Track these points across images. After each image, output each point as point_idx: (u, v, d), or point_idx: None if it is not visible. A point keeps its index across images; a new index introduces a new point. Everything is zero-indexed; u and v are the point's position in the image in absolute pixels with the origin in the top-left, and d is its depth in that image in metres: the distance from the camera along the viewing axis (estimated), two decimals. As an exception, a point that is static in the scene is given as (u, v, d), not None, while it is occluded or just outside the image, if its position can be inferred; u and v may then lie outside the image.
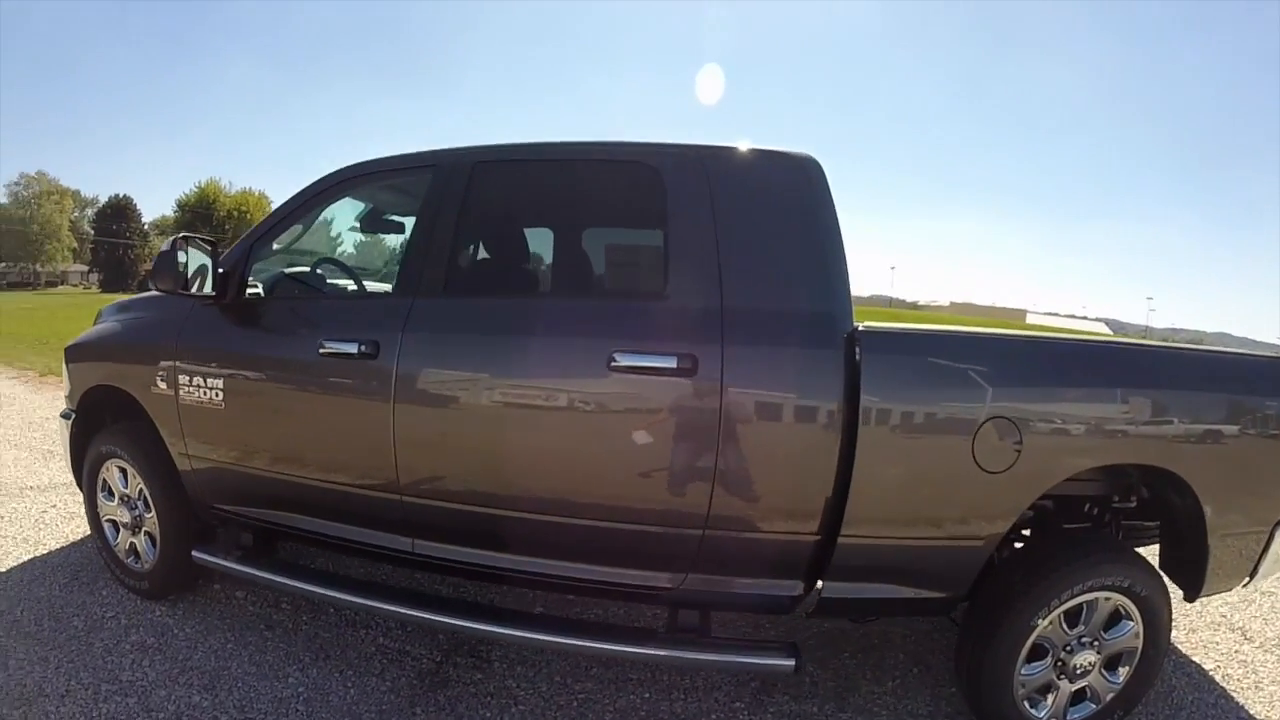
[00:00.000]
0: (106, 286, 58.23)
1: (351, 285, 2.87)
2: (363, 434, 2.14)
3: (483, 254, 2.37)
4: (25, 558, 3.37)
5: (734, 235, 2.03)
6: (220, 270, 2.39)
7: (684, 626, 2.09)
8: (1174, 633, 2.71)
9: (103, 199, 68.20)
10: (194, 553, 2.62)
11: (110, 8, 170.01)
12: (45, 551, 3.45)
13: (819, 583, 2.04)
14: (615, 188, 2.27)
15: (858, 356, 1.89)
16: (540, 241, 2.48)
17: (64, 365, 3.20)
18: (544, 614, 2.48)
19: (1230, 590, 2.28)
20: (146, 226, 67.00)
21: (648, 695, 2.28)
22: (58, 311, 22.11)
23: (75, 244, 66.94)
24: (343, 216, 2.94)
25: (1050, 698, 2.09)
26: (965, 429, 1.88)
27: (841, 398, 1.88)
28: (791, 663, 1.95)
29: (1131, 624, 2.06)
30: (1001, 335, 2.25)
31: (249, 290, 2.52)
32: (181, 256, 2.24)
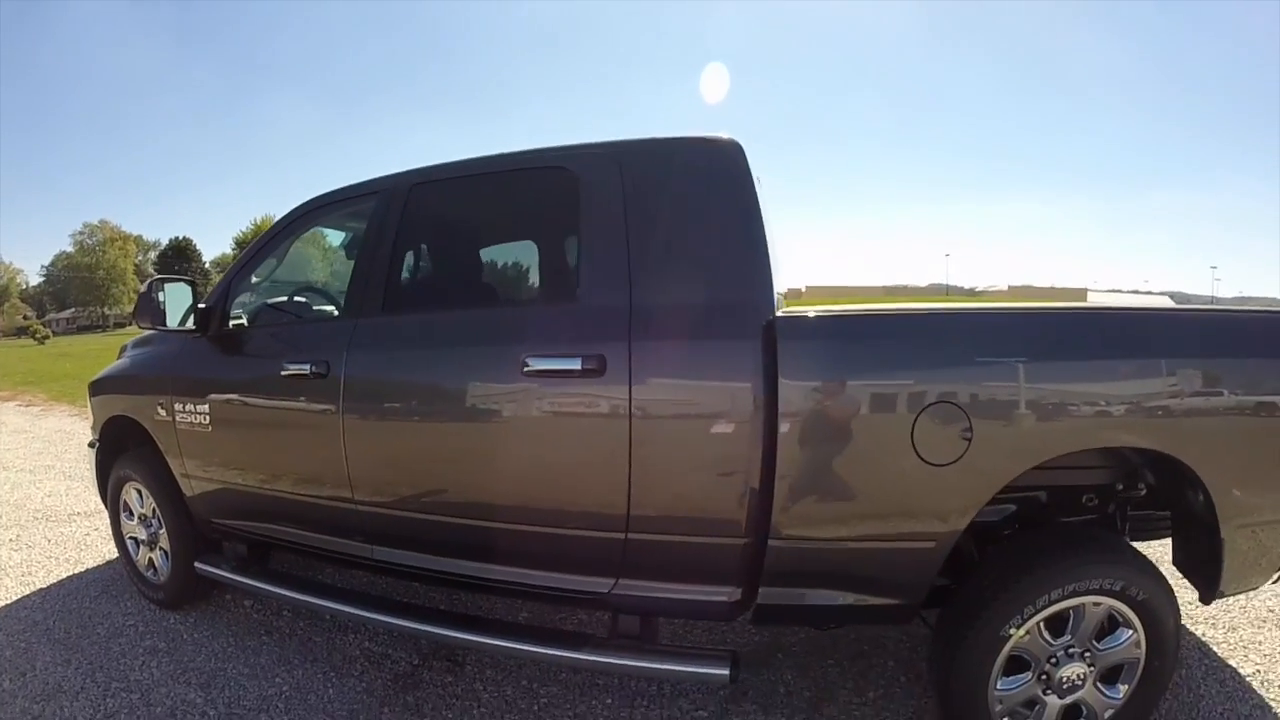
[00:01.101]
0: (171, 324, 61.67)
1: (334, 309, 3.10)
2: (320, 447, 2.32)
3: (417, 273, 2.47)
4: (65, 575, 3.74)
5: (645, 230, 1.98)
6: (201, 306, 2.65)
7: (624, 633, 2.02)
8: (1211, 631, 2.61)
9: (164, 242, 72.65)
10: (196, 564, 2.88)
11: (162, 58, 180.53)
12: (83, 569, 3.81)
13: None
14: (536, 195, 2.28)
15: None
16: (469, 256, 2.55)
17: (89, 399, 3.55)
18: (494, 618, 2.53)
19: (1256, 589, 2.04)
20: (207, 265, 71.08)
21: (610, 701, 2.33)
22: (123, 349, 23.49)
23: (140, 286, 71.43)
24: (335, 241, 3.19)
25: (1037, 714, 1.87)
26: (901, 418, 1.72)
27: (761, 391, 1.76)
28: (725, 672, 1.84)
29: (1130, 632, 1.83)
30: (942, 310, 2.01)
31: (234, 321, 2.78)
32: (160, 296, 2.52)
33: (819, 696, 2.32)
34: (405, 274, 2.39)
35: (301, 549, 2.61)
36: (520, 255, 2.46)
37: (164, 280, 2.60)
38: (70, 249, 68.42)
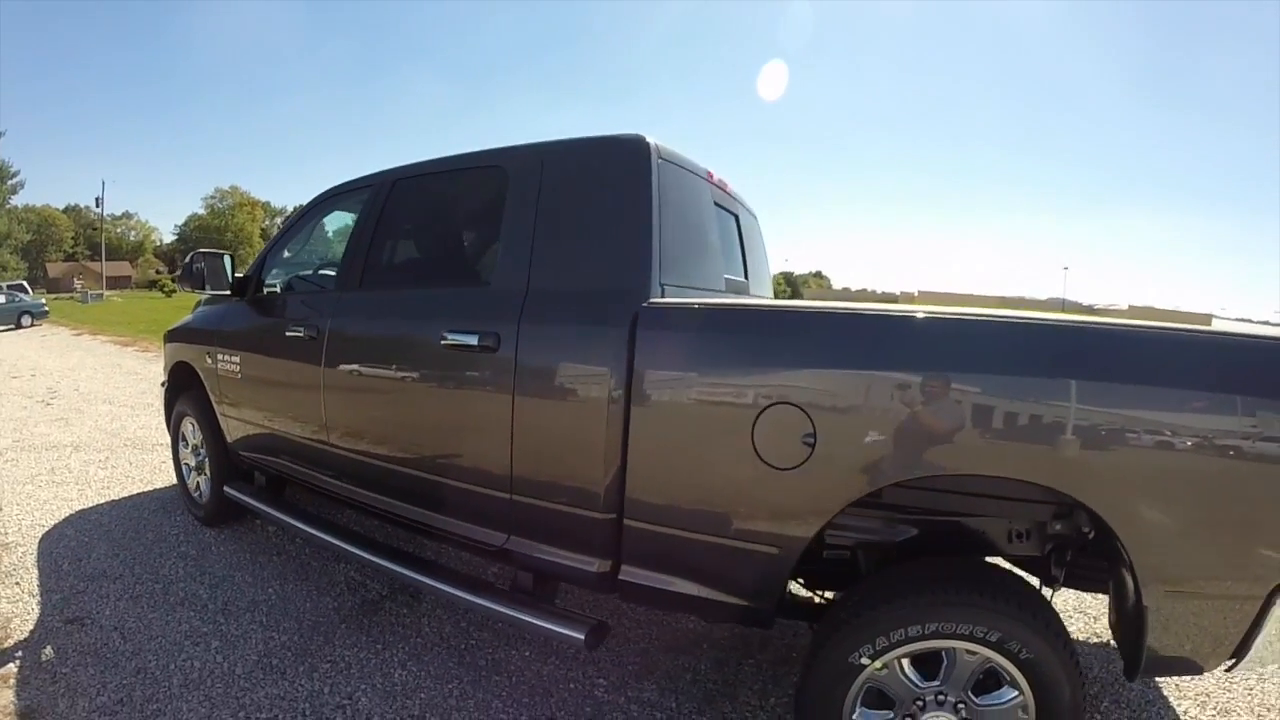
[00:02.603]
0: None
1: None
2: (308, 397, 2.81)
3: (388, 255, 2.85)
4: (136, 491, 4.51)
5: (548, 222, 2.16)
6: (238, 275, 3.23)
7: (519, 587, 2.23)
8: (1196, 711, 2.36)
9: (289, 209, 78.53)
10: (225, 488, 3.49)
11: (299, 30, 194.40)
12: (152, 489, 4.58)
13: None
14: (479, 191, 2.49)
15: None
16: (426, 242, 2.92)
17: (164, 346, 4.27)
18: (431, 560, 2.83)
19: (1204, 673, 1.73)
20: (329, 234, 76.23)
21: (527, 654, 2.57)
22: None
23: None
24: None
25: None
26: (742, 416, 1.72)
27: (622, 376, 1.86)
28: (581, 637, 1.95)
29: (1014, 693, 1.65)
30: (802, 308, 1.98)
31: (267, 288, 3.35)
32: (199, 266, 3.12)
33: (720, 692, 2.38)
34: (381, 256, 2.79)
35: (299, 481, 3.14)
36: (463, 243, 2.73)
37: (205, 254, 3.20)
38: (202, 211, 75.52)
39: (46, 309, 23.12)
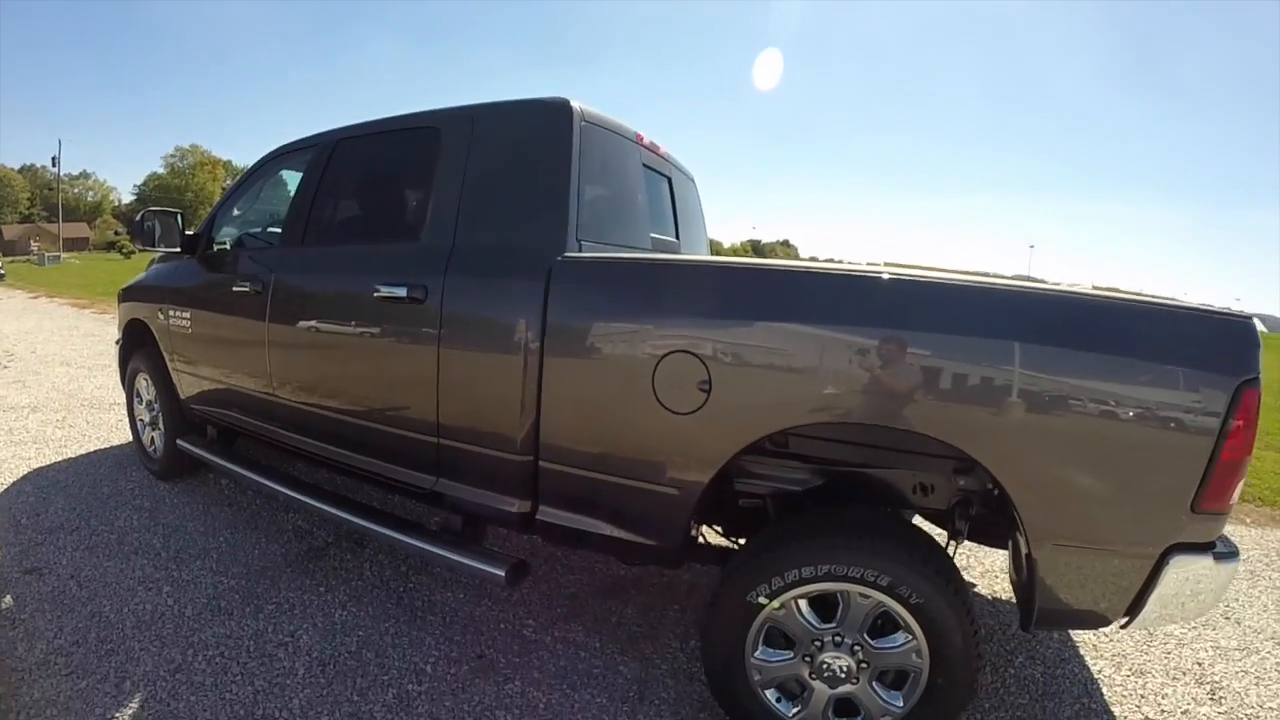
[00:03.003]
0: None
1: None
2: (254, 349, 2.90)
3: (329, 213, 2.91)
4: (93, 449, 4.57)
5: (476, 180, 2.26)
6: (189, 233, 3.29)
7: (447, 528, 2.36)
8: (1111, 671, 2.42)
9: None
10: (177, 441, 3.58)
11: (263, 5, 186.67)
12: (109, 446, 4.64)
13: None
14: (415, 151, 2.54)
15: None
16: (365, 201, 2.97)
17: (117, 305, 4.29)
18: (367, 504, 2.84)
19: (1098, 628, 1.82)
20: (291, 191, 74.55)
21: (461, 596, 2.72)
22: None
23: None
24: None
25: (806, 698, 1.85)
26: (644, 363, 1.83)
27: (539, 327, 1.98)
28: (502, 574, 2.09)
29: (907, 637, 1.73)
30: (699, 262, 2.09)
31: (217, 246, 3.40)
32: (149, 224, 3.17)
33: (643, 634, 2.49)
34: (323, 214, 2.87)
35: (248, 433, 3.24)
36: (399, 201, 2.78)
37: (156, 211, 3.26)
38: (162, 170, 73.18)
39: (2, 272, 22.48)
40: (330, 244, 2.83)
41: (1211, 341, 1.56)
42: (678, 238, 3.12)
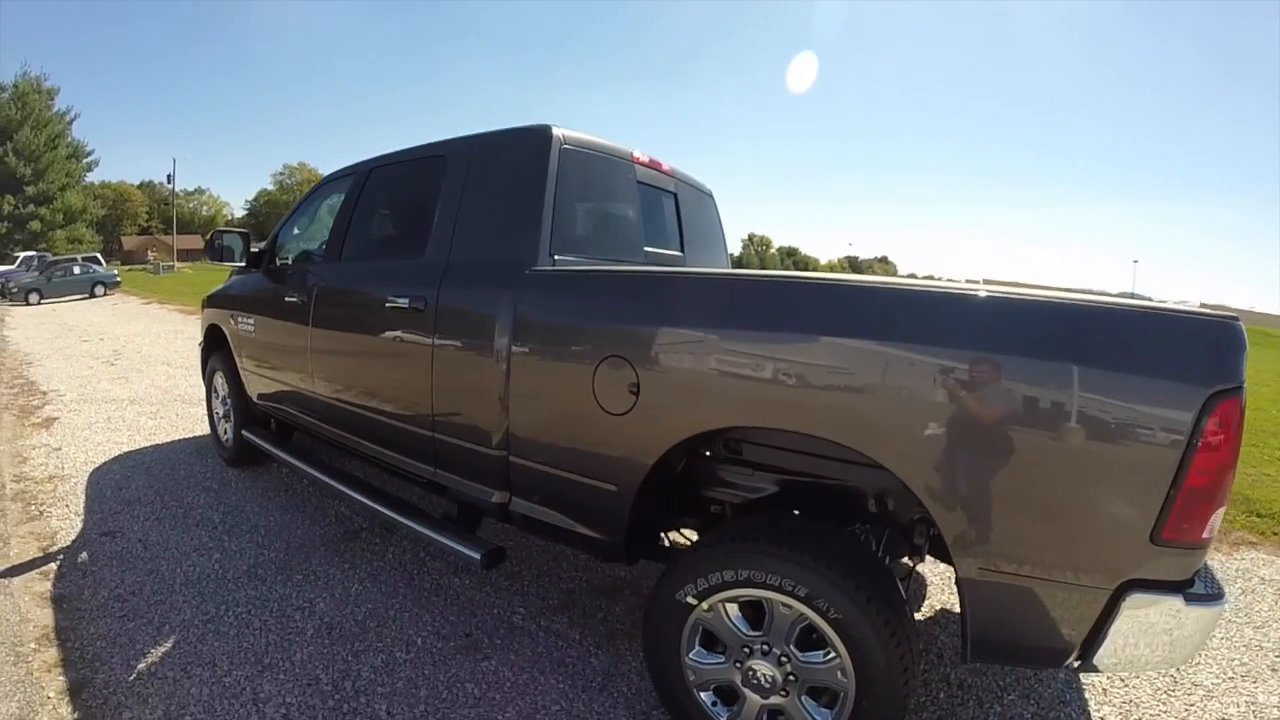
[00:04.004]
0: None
1: None
2: (300, 353, 3.31)
3: (360, 233, 3.26)
4: (177, 438, 5.19)
5: (470, 202, 2.52)
6: (254, 250, 3.78)
7: (445, 514, 2.65)
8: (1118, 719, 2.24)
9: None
10: (243, 431, 4.05)
11: (358, 15, 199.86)
12: (192, 437, 5.26)
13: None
14: (427, 178, 2.80)
15: None
16: (387, 221, 3.30)
17: (201, 311, 4.89)
18: (384, 492, 3.10)
19: (1045, 668, 1.67)
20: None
21: (467, 582, 2.97)
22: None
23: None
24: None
25: (739, 708, 1.86)
26: (585, 367, 2.00)
27: (510, 333, 2.19)
28: (478, 556, 2.31)
29: (831, 654, 1.69)
30: (636, 273, 2.24)
31: (280, 261, 3.87)
32: (219, 242, 3.70)
33: (623, 632, 2.62)
34: (355, 233, 3.24)
35: (297, 425, 3.66)
36: (412, 221, 3.05)
37: (224, 231, 3.79)
38: (271, 187, 79.02)
39: (119, 279, 24.93)
40: (359, 260, 3.20)
41: (1177, 345, 1.39)
42: (683, 251, 3.30)
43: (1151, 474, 1.36)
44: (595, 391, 1.99)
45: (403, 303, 2.59)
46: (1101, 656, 1.47)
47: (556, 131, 2.44)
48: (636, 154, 2.93)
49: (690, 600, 1.83)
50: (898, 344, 1.55)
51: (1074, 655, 1.51)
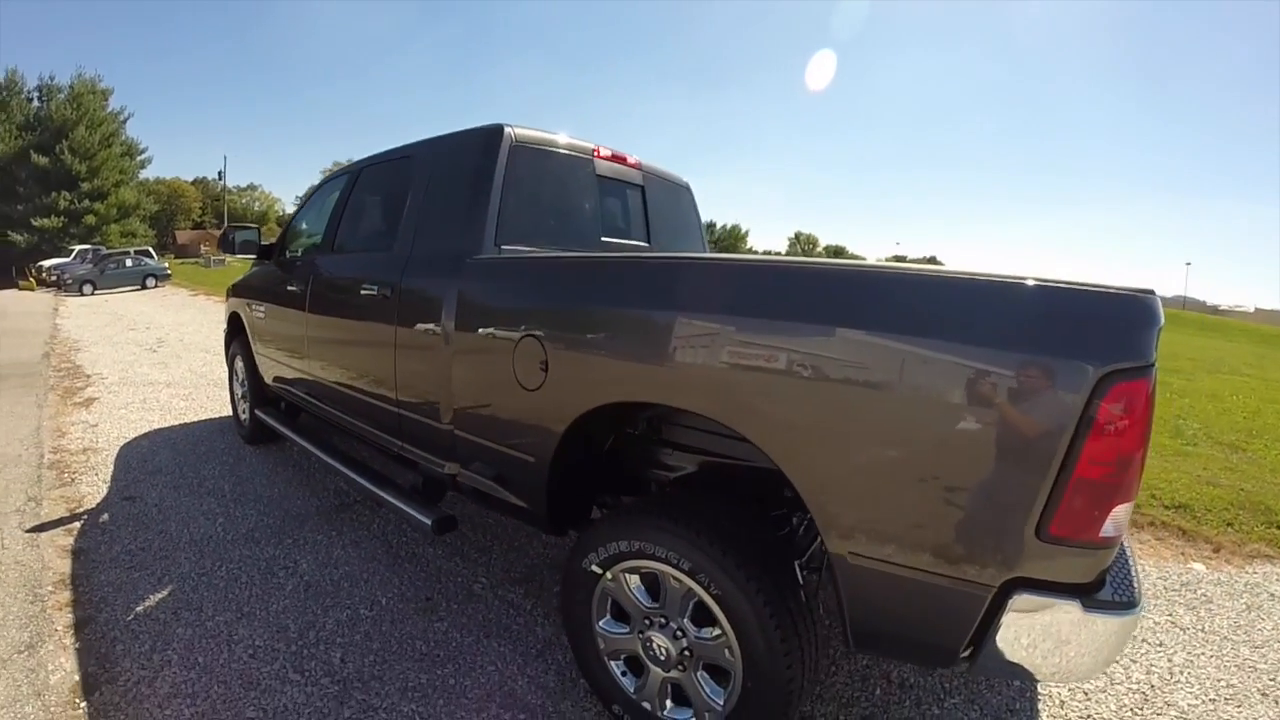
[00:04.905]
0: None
1: None
2: (299, 337, 3.63)
3: (348, 226, 3.53)
4: (205, 418, 5.60)
5: (431, 198, 2.73)
6: (265, 244, 4.11)
7: (410, 485, 2.81)
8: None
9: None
10: (255, 410, 4.41)
11: (408, 18, 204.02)
12: (218, 417, 5.66)
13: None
14: (400, 175, 3.03)
15: None
16: (369, 217, 3.52)
17: (225, 300, 5.28)
18: (367, 465, 3.34)
19: (933, 667, 1.63)
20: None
21: (440, 552, 3.30)
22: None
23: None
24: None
25: (645, 679, 1.93)
26: (507, 346, 2.16)
27: (453, 315, 2.37)
28: (429, 523, 2.49)
29: (718, 631, 1.70)
30: (551, 257, 2.39)
31: (289, 253, 4.20)
32: (232, 236, 4.04)
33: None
34: (344, 227, 3.52)
35: (301, 406, 3.98)
36: (385, 217, 3.31)
37: (237, 227, 4.14)
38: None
39: (169, 272, 26.18)
40: (345, 252, 3.48)
41: (1070, 321, 1.26)
42: (649, 242, 3.45)
43: (1032, 461, 1.25)
44: (515, 368, 2.15)
45: (373, 291, 2.85)
46: (985, 661, 1.38)
47: (509, 130, 2.63)
48: (600, 149, 3.09)
49: (595, 569, 1.92)
50: (751, 318, 1.57)
51: (960, 657, 1.43)
